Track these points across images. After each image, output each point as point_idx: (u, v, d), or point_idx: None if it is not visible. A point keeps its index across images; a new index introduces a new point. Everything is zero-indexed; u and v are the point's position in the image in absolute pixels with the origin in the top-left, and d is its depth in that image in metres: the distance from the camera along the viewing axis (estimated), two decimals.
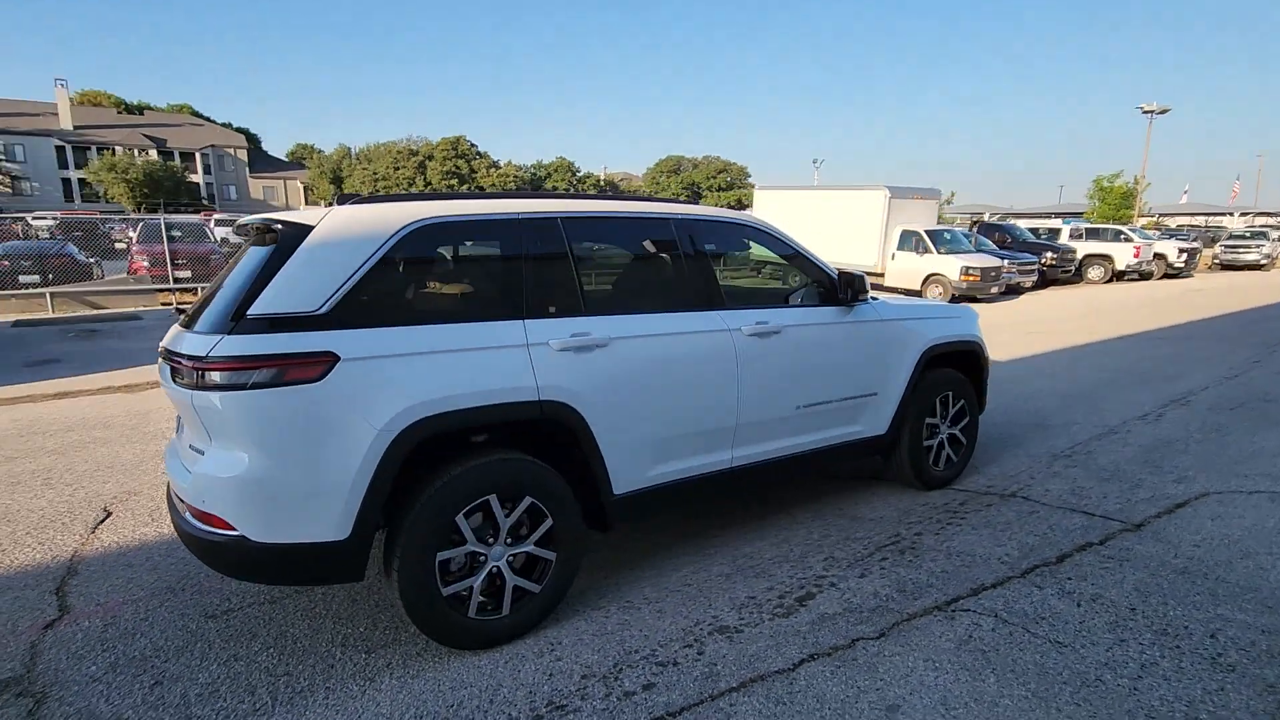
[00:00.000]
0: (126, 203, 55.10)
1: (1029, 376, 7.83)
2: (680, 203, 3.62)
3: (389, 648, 2.83)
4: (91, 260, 16.37)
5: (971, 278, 15.65)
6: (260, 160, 75.92)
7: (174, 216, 21.64)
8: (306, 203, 69.75)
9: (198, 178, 66.78)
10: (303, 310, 2.45)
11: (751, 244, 3.98)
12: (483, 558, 2.76)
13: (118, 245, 22.76)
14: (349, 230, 2.60)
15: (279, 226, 2.62)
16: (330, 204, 2.81)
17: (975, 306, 15.00)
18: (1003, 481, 4.63)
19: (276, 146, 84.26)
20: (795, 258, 3.91)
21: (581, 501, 3.05)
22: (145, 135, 66.25)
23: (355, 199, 2.81)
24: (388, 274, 2.65)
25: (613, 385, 3.00)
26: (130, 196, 55.31)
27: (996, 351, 9.04)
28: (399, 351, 2.55)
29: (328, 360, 2.42)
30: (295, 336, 2.41)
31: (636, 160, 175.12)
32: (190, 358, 2.39)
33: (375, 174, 59.46)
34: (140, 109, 74.67)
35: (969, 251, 16.65)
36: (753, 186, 23.70)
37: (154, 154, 63.51)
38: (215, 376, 2.35)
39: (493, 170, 61.42)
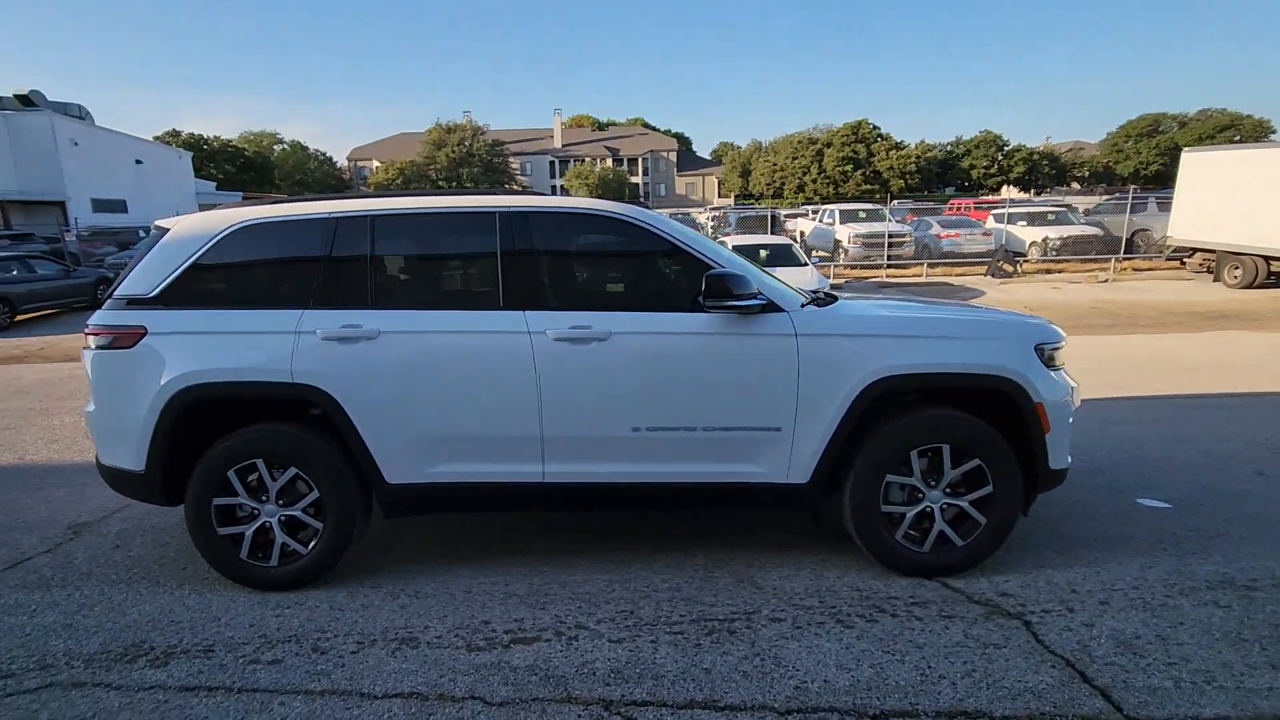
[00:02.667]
0: None
1: None
2: (519, 194, 3.36)
3: None
4: None
5: None
6: (687, 160, 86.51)
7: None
8: (719, 196, 77.05)
9: (638, 179, 79.64)
10: (140, 293, 3.23)
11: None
12: (256, 511, 3.21)
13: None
14: (187, 231, 3.29)
15: (154, 230, 3.45)
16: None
17: None
18: (1044, 595, 3.03)
19: (704, 147, 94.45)
20: (675, 253, 3.25)
21: (362, 483, 3.24)
22: (606, 147, 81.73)
23: (251, 201, 3.49)
24: (206, 266, 3.25)
25: (374, 376, 3.09)
26: (589, 197, 69.24)
27: None
28: (189, 330, 3.15)
29: (140, 332, 3.16)
30: (126, 313, 3.21)
31: (1095, 126, 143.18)
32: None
33: (774, 164, 62.05)
34: (605, 125, 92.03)
35: None
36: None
37: (609, 162, 77.94)
38: (88, 339, 3.29)
39: (892, 152, 58.18)
